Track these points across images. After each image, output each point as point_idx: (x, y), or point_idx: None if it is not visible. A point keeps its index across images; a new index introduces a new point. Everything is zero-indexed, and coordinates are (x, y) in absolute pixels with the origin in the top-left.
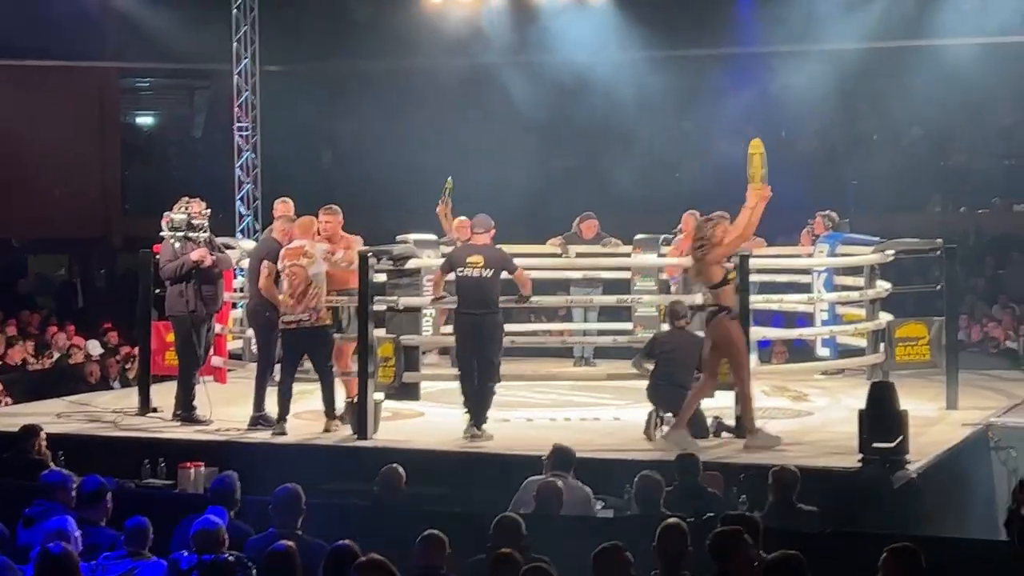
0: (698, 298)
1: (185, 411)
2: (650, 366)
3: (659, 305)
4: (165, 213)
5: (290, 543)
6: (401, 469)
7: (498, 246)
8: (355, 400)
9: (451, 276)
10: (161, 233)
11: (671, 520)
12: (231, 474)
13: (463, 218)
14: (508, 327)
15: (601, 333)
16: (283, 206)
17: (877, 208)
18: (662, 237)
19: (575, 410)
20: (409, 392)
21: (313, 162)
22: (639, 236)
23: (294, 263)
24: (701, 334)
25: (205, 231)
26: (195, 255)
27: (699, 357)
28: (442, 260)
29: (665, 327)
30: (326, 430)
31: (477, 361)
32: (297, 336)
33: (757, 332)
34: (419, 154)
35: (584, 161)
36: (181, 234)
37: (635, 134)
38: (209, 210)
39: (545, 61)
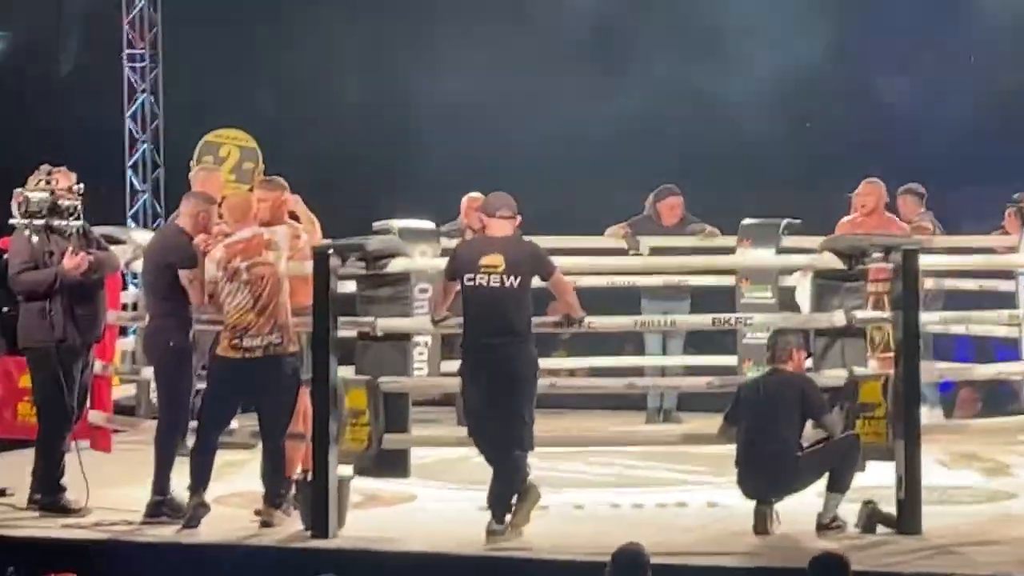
0: (838, 316)
1: (48, 494)
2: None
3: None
4: (17, 190)
5: None
6: None
7: (526, 238)
8: (308, 476)
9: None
10: (11, 220)
11: None
12: None
13: (473, 195)
14: (545, 363)
15: (689, 372)
16: (208, 177)
17: None
18: (784, 222)
19: (649, 491)
20: (392, 464)
21: (246, 110)
22: (747, 221)
23: (256, 262)
24: (832, 373)
25: (77, 217)
26: (69, 263)
27: (806, 407)
28: (445, 261)
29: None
30: (264, 523)
31: (496, 415)
32: (251, 370)
33: (933, 369)
34: (411, 96)
35: (662, 107)
36: (41, 222)
37: (745, 65)
38: (82, 185)
39: None
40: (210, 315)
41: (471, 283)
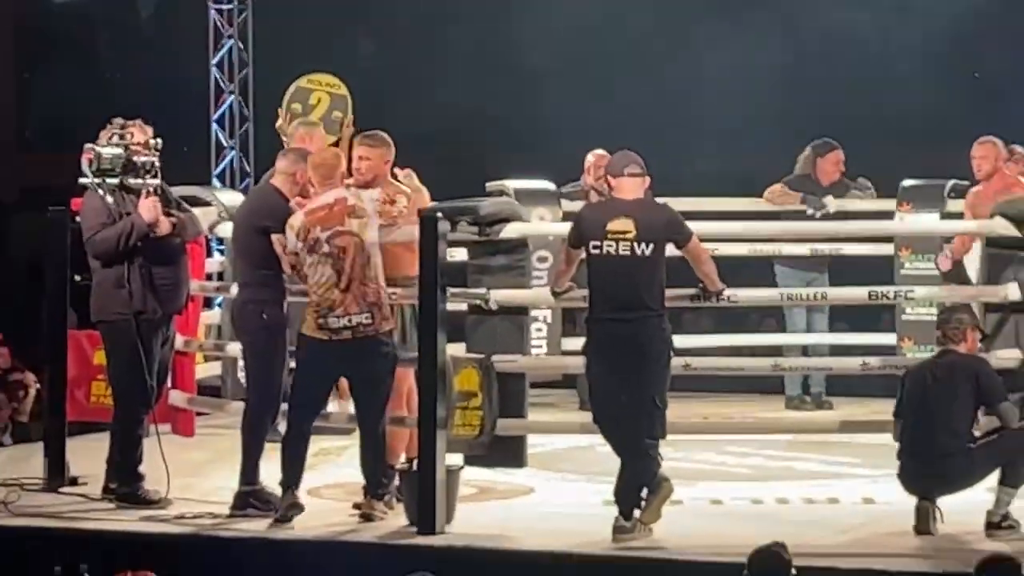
0: (1012, 290)
1: (124, 483)
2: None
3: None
4: (87, 145)
5: None
6: None
7: (660, 200)
8: (413, 466)
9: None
10: (82, 179)
11: None
12: None
13: (598, 152)
14: (679, 340)
15: (836, 352)
16: (309, 133)
17: None
18: (950, 183)
19: (795, 485)
20: (507, 453)
21: (343, 58)
22: (908, 182)
23: (337, 231)
24: (1005, 354)
25: (155, 176)
26: (147, 212)
27: (981, 393)
28: (568, 225)
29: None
30: (364, 516)
31: (625, 399)
32: (341, 352)
33: None
34: (527, 41)
35: (805, 52)
36: (115, 181)
37: (900, 4)
38: (160, 140)
39: None
40: (302, 286)
41: (597, 251)
